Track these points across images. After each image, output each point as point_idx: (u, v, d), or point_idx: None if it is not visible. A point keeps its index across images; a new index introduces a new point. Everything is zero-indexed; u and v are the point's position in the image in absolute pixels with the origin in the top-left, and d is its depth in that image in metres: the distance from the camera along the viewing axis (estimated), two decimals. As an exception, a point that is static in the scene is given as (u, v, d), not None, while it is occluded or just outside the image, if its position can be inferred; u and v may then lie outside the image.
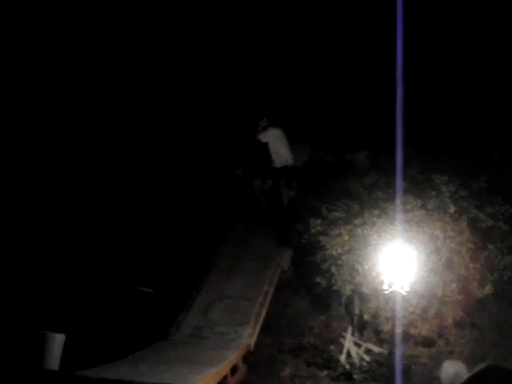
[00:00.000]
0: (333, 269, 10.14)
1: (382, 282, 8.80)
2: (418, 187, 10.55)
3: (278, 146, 12.85)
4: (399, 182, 9.92)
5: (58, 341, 9.67)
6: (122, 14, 14.03)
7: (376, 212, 10.21)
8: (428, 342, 10.08)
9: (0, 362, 9.36)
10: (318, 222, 10.45)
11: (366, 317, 10.21)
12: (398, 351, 8.70)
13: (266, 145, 12.74)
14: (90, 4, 13.74)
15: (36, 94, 13.09)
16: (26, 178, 12.44)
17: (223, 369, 8.95)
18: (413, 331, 9.90)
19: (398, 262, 8.63)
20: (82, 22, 13.66)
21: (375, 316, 10.13)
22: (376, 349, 10.11)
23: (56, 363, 9.60)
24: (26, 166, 12.59)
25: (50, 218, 12.11)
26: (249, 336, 9.92)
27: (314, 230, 10.44)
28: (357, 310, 10.39)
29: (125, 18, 14.09)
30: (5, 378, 9.07)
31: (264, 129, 12.86)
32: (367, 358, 9.94)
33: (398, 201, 9.88)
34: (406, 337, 9.77)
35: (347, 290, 10.11)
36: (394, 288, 8.60)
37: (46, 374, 9.41)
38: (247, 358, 9.78)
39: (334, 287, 10.17)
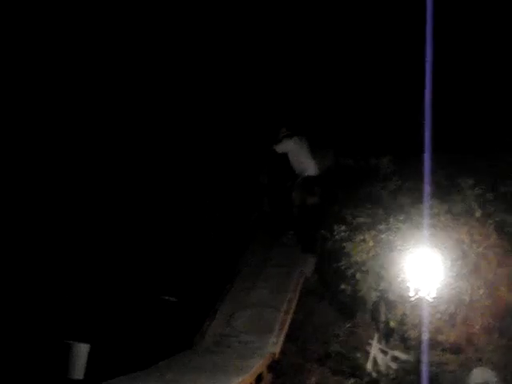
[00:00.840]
0: (358, 275, 10.01)
1: (408, 289, 8.70)
2: (444, 191, 10.43)
3: (299, 156, 12.62)
4: (424, 187, 9.82)
5: (82, 351, 9.69)
6: (126, 14, 14.00)
7: (401, 217, 10.10)
8: (456, 349, 9.87)
9: (26, 372, 9.44)
10: (342, 227, 10.35)
11: (392, 324, 10.06)
12: (425, 358, 8.58)
13: (285, 155, 12.49)
14: (90, 4, 13.71)
15: (36, 93, 13.07)
16: (41, 181, 12.47)
17: (248, 377, 8.85)
18: (440, 338, 9.74)
19: (424, 267, 8.53)
20: (82, 22, 13.63)
21: (402, 323, 9.97)
22: (403, 356, 9.96)
23: (81, 373, 9.62)
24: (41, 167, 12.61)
25: (75, 227, 12.15)
26: (274, 344, 9.83)
27: (338, 236, 10.34)
28: (383, 317, 10.24)
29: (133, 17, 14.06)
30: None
31: (283, 138, 12.60)
32: (394, 366, 9.79)
33: (423, 205, 9.77)
34: (434, 344, 9.60)
35: (373, 296, 9.98)
36: (421, 294, 8.49)
37: (72, 384, 9.46)
38: (272, 366, 9.66)
39: (360, 294, 10.03)
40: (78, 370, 9.59)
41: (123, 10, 13.95)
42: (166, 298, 11.23)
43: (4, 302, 10.69)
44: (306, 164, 12.65)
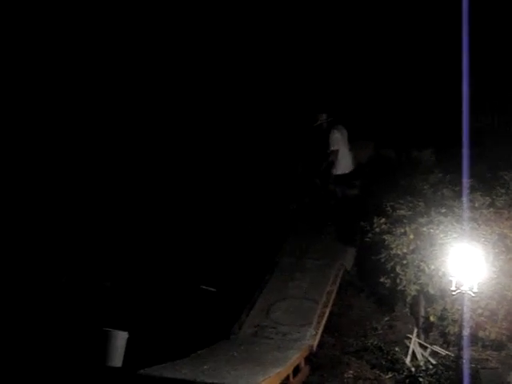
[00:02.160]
0: (397, 268, 9.90)
1: (448, 283, 8.56)
2: (486, 184, 10.25)
3: (342, 149, 12.37)
4: (466, 180, 9.66)
5: (121, 338, 9.77)
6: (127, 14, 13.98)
7: (442, 210, 9.95)
8: (497, 346, 9.73)
9: (65, 360, 9.59)
10: (383, 220, 10.23)
11: (431, 318, 9.93)
12: (466, 354, 8.45)
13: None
14: (90, 4, 13.72)
15: (35, 93, 13.12)
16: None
17: (286, 369, 8.85)
18: (481, 334, 9.60)
19: (466, 262, 8.38)
20: (82, 22, 13.64)
21: (442, 318, 9.86)
22: (442, 351, 9.84)
23: (120, 360, 9.71)
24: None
25: (116, 217, 12.28)
26: (311, 336, 9.79)
27: (378, 229, 10.22)
28: (422, 312, 10.13)
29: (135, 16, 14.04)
30: (70, 375, 9.26)
31: (325, 125, 12.33)
32: (433, 361, 9.67)
33: (465, 199, 9.61)
34: (474, 339, 9.48)
35: (412, 290, 9.86)
36: (462, 289, 8.35)
37: (110, 371, 9.55)
38: (310, 358, 9.64)
39: (399, 287, 9.93)
40: (117, 357, 9.68)
41: (124, 11, 13.94)
42: (205, 288, 11.27)
43: (43, 291, 10.89)
44: (345, 160, 12.41)
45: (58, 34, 13.43)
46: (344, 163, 12.39)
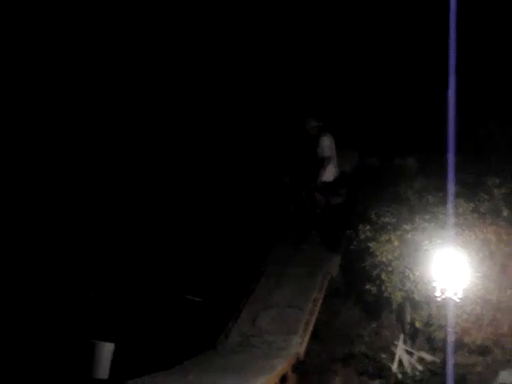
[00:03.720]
0: (383, 275, 9.92)
1: (433, 289, 8.58)
2: (470, 190, 10.29)
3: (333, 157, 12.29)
4: (449, 186, 9.70)
5: (107, 350, 9.72)
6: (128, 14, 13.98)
7: (426, 217, 9.99)
8: (483, 351, 9.74)
9: (51, 372, 9.51)
10: (367, 227, 10.25)
11: (417, 324, 9.95)
12: (452, 360, 8.46)
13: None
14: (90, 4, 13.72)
15: (36, 93, 13.09)
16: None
17: (272, 378, 8.81)
18: (467, 339, 9.62)
19: (450, 267, 8.41)
20: (82, 22, 13.63)
21: (427, 324, 9.88)
22: (429, 357, 9.85)
23: (106, 372, 9.66)
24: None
25: (99, 227, 12.23)
26: (298, 344, 9.79)
27: (363, 236, 10.24)
28: (408, 318, 10.14)
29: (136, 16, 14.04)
30: (55, 387, 9.21)
31: (315, 131, 12.25)
32: (420, 367, 9.69)
33: (449, 205, 9.65)
34: (460, 345, 9.50)
35: (398, 297, 9.87)
36: (447, 295, 8.38)
37: (96, 383, 9.49)
38: (297, 366, 9.62)
39: (385, 294, 9.93)
40: (103, 369, 9.62)
41: (124, 11, 13.94)
42: (191, 297, 11.24)
43: (28, 301, 10.81)
44: (331, 168, 12.36)
45: (58, 34, 13.42)
46: (329, 171, 12.35)
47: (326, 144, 12.22)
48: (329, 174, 12.30)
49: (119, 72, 13.70)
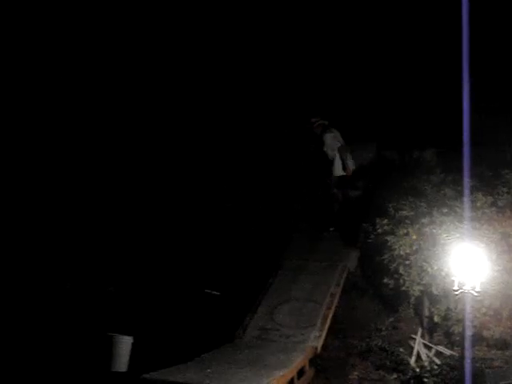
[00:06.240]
0: (401, 269, 9.90)
1: (452, 283, 8.54)
2: (488, 184, 10.24)
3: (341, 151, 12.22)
4: (468, 180, 9.64)
5: (126, 343, 9.81)
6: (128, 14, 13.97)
7: (444, 210, 9.94)
8: (502, 345, 9.69)
9: (71, 365, 9.61)
10: (385, 221, 10.23)
11: (435, 318, 9.93)
12: (470, 354, 8.42)
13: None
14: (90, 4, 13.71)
15: (36, 93, 13.12)
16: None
17: (290, 372, 8.86)
18: (485, 333, 9.59)
19: (469, 261, 8.36)
20: (82, 22, 13.63)
21: (446, 318, 9.85)
22: (447, 351, 9.83)
23: (124, 365, 9.74)
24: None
25: (119, 222, 12.31)
26: (316, 338, 9.81)
27: (380, 230, 10.22)
28: (426, 312, 10.12)
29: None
30: (75, 381, 9.29)
31: (320, 128, 12.17)
32: (438, 361, 9.66)
33: (467, 198, 9.60)
34: (479, 339, 9.48)
35: (416, 290, 9.85)
36: (465, 289, 8.33)
37: (115, 376, 9.57)
38: (314, 360, 9.65)
39: (403, 288, 9.92)
40: (122, 362, 9.71)
41: (124, 11, 13.95)
42: (209, 291, 11.28)
43: (48, 296, 10.93)
44: (337, 164, 12.20)
45: (59, 34, 13.46)
46: (337, 166, 12.21)
47: (328, 141, 12.17)
48: (337, 169, 12.21)
49: (119, 72, 13.71)
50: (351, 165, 12.27)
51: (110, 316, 10.55)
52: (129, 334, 9.85)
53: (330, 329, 10.11)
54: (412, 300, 10.10)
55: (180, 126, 13.55)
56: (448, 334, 9.98)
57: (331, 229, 12.21)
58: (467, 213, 9.50)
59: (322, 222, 12.33)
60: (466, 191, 9.60)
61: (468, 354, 8.45)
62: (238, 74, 14.01)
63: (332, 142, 12.15)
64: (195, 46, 14.13)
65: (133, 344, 9.82)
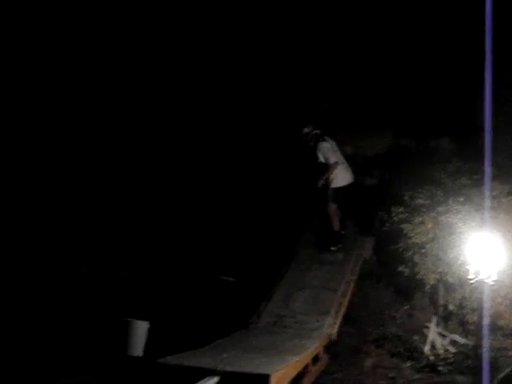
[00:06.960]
0: (416, 257, 9.89)
1: (467, 272, 8.54)
2: (505, 173, 10.18)
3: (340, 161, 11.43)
4: (484, 168, 9.58)
5: (142, 328, 9.91)
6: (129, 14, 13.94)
7: (460, 199, 9.91)
8: (517, 334, 9.72)
9: (87, 350, 9.72)
10: (401, 209, 10.20)
11: (450, 307, 9.92)
12: (485, 343, 8.42)
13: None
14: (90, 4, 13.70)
15: (36, 93, 13.13)
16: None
17: (304, 358, 8.90)
18: (501, 323, 9.58)
19: (485, 250, 8.35)
20: (81, 22, 13.63)
21: (461, 306, 9.83)
22: (462, 340, 9.83)
23: (140, 350, 9.85)
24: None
25: (135, 208, 12.38)
26: (330, 325, 9.83)
27: (396, 218, 10.19)
28: (441, 300, 10.11)
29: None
30: (92, 365, 9.40)
31: (313, 139, 11.46)
32: (452, 350, 9.68)
33: (484, 187, 9.56)
34: (494, 328, 9.43)
35: (431, 279, 9.83)
36: (481, 278, 8.33)
37: (132, 361, 9.67)
38: (329, 347, 9.69)
39: (418, 276, 9.90)
40: (138, 347, 9.81)
41: (124, 11, 13.92)
42: (225, 278, 11.34)
43: (66, 283, 11.03)
44: (342, 172, 11.38)
45: (59, 34, 13.46)
46: (342, 175, 11.40)
47: (320, 152, 11.35)
48: (340, 179, 11.40)
49: (119, 72, 13.71)
50: (350, 175, 11.61)
51: (127, 301, 10.64)
52: (145, 320, 9.94)
53: (344, 316, 10.13)
54: (427, 288, 10.08)
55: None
56: (463, 323, 9.98)
57: (332, 248, 11.43)
58: (483, 202, 9.46)
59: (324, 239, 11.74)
60: (483, 180, 9.55)
61: (483, 343, 8.46)
62: (239, 78, 13.95)
63: (327, 152, 11.32)
64: (195, 49, 14.09)
65: (149, 329, 9.90)
